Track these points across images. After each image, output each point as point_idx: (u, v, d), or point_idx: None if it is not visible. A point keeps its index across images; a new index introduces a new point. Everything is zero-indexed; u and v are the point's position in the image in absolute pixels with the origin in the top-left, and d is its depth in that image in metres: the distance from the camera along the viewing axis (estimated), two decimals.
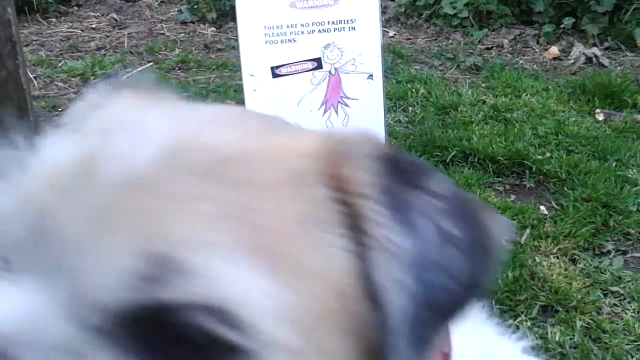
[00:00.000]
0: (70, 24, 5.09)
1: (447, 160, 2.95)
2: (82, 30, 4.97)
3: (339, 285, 0.51)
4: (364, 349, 0.53)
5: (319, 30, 2.51)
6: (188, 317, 0.43)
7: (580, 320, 2.03)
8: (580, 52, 4.46)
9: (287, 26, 2.49)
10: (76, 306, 0.44)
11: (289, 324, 0.46)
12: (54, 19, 5.27)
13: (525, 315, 2.05)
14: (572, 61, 4.42)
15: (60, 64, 4.21)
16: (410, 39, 4.97)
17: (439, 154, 2.99)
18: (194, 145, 0.49)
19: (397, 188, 0.54)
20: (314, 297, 0.48)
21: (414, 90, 3.71)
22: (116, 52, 4.49)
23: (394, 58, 4.28)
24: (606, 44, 4.64)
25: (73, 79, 3.98)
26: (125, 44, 4.64)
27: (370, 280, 0.52)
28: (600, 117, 3.43)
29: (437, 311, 0.55)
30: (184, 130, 0.52)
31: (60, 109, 3.51)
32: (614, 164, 2.95)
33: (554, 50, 4.56)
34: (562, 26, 4.76)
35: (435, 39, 4.92)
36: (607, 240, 2.43)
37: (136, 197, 0.46)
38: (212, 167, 0.48)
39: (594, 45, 4.60)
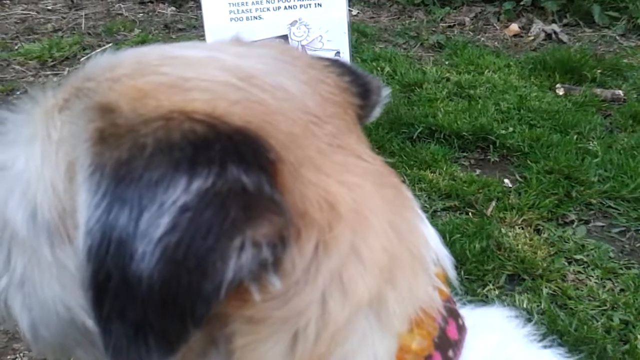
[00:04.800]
0: (25, 6, 4.93)
1: (414, 137, 2.97)
2: (38, 12, 4.82)
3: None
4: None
5: (285, 7, 2.49)
6: None
7: (546, 287, 2.09)
8: (539, 28, 4.52)
9: (253, 2, 2.47)
10: None
11: None
12: (7, 1, 5.09)
13: (493, 285, 2.10)
14: (532, 38, 4.48)
15: (16, 47, 4.08)
16: (373, 17, 4.97)
17: (405, 130, 3.02)
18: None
19: None
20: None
21: (379, 68, 3.72)
22: (73, 33, 4.37)
23: (358, 37, 4.28)
24: (565, 21, 4.72)
25: (30, 61, 3.87)
26: (83, 25, 4.52)
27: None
28: (561, 92, 3.50)
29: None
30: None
31: (18, 92, 3.42)
32: (575, 136, 3.02)
33: (514, 27, 4.61)
34: (521, 3, 4.81)
35: (398, 17, 4.93)
36: (570, 211, 2.50)
37: None
38: None
39: (553, 21, 4.67)
